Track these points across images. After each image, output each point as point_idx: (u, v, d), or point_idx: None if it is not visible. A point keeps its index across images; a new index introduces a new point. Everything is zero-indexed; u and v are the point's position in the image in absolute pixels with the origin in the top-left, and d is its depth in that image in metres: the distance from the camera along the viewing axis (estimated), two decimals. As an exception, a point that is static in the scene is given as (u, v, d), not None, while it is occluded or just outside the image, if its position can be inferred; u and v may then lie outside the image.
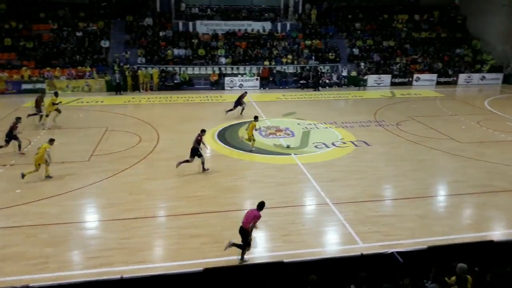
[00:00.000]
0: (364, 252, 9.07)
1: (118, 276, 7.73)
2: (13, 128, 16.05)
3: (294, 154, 16.65)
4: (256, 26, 33.70)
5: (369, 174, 14.79)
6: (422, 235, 10.83)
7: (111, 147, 17.10)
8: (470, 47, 35.38)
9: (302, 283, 7.44)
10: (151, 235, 10.75)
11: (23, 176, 13.57)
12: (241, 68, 30.97)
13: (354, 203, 12.57)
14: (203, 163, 14.78)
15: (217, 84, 29.70)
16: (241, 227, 9.53)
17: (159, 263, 9.58)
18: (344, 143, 18.17)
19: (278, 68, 31.36)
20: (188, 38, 32.08)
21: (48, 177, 13.89)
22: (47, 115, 20.20)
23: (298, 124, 20.96)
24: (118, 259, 9.59)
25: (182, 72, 29.91)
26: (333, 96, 28.37)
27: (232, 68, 30.89)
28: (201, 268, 7.99)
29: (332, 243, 10.69)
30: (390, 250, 8.78)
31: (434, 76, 32.52)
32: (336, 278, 7.95)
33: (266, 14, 35.05)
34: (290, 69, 31.75)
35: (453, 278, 7.43)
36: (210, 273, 7.90)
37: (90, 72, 28.31)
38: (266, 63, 31.10)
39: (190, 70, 30.42)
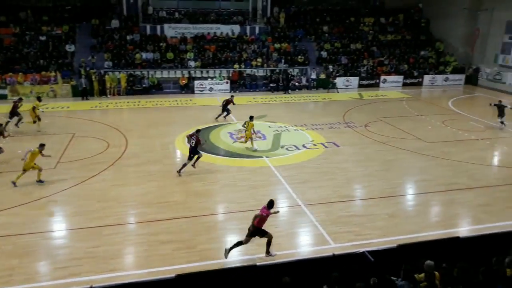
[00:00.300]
0: (336, 252, 9.16)
1: (87, 286, 7.51)
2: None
3: (266, 157, 16.70)
4: (225, 30, 33.67)
5: (339, 175, 15.01)
6: (392, 233, 11.05)
7: (79, 153, 16.67)
8: (434, 49, 36.48)
9: (276, 286, 7.44)
10: (121, 242, 10.52)
11: (40, 181, 13.77)
12: (211, 71, 30.86)
13: (326, 204, 12.71)
14: (197, 160, 14.98)
15: (187, 88, 29.48)
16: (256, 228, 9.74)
17: (129, 271, 9.38)
18: (315, 145, 18.37)
19: (248, 71, 31.41)
20: (156, 41, 31.72)
21: (14, 183, 13.53)
22: (34, 122, 19.62)
23: (269, 127, 21.05)
24: (87, 268, 9.34)
25: (150, 76, 29.53)
26: (303, 99, 28.64)
27: (201, 72, 30.72)
28: (173, 275, 7.87)
29: (305, 244, 10.77)
30: (361, 250, 8.90)
31: (400, 78, 33.33)
32: (309, 279, 8.00)
33: (235, 18, 35.06)
34: (260, 72, 31.85)
35: (422, 275, 7.60)
36: (183, 279, 7.79)
37: (55, 77, 27.54)
38: (236, 66, 31.11)
39: (158, 74, 30.07)
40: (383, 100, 28.31)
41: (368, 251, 8.70)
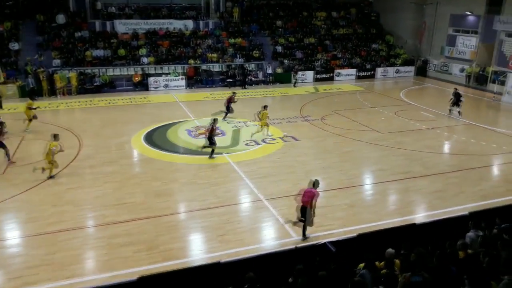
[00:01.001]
0: (298, 245, 9.27)
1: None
2: None
3: (226, 153, 16.62)
4: (177, 25, 33.11)
5: (299, 168, 15.18)
6: (352, 223, 11.32)
7: (30, 157, 15.87)
8: (385, 42, 37.60)
9: (240, 282, 7.42)
10: (80, 247, 10.15)
11: (43, 170, 13.93)
12: (165, 67, 30.28)
13: (287, 197, 12.79)
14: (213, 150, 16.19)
15: (141, 85, 28.78)
16: (301, 206, 10.32)
17: (89, 276, 9.06)
18: (274, 139, 18.48)
19: (204, 67, 31.10)
20: (106, 38, 30.72)
21: (50, 177, 14.00)
22: (29, 120, 19.28)
23: (228, 123, 20.94)
24: (44, 277, 8.94)
25: (102, 74, 28.58)
26: (260, 94, 28.71)
27: (155, 68, 30.11)
28: (135, 277, 7.67)
29: (268, 239, 10.81)
30: (322, 241, 9.04)
31: (353, 71, 34.11)
32: (273, 272, 8.04)
33: (188, 13, 34.58)
34: (216, 68, 31.64)
35: (383, 262, 7.82)
36: (145, 281, 7.61)
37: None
38: (191, 62, 30.70)
39: (110, 72, 29.17)
40: (338, 93, 28.88)
41: (329, 242, 8.85)
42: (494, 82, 28.52)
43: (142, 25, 32.35)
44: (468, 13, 31.49)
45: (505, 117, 24.04)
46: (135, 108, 24.24)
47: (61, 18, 30.36)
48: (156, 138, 18.42)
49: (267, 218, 11.69)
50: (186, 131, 19.32)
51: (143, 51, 30.49)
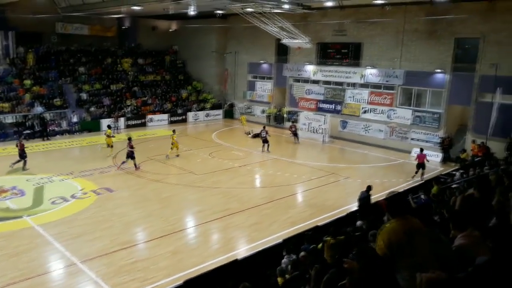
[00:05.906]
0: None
1: None
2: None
3: (27, 216, 14.43)
4: (-45, 73, 28.26)
5: (116, 222, 14.18)
6: (178, 270, 10.97)
7: None
8: (193, 88, 39.22)
9: None
10: None
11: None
12: None
13: (105, 255, 11.73)
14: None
15: None
16: (419, 163, 19.35)
17: None
18: (85, 193, 16.94)
19: (-8, 119, 27.03)
20: None
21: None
22: (111, 147, 22.74)
23: (28, 180, 18.36)
24: None
25: None
26: (65, 144, 26.30)
27: None
28: None
29: (86, 307, 9.60)
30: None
31: (165, 116, 34.41)
32: None
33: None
34: (9, 119, 27.83)
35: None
36: None
37: None
38: (-24, 114, 26.35)
39: None
40: (152, 139, 28.59)
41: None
42: (289, 120, 32.44)
43: None
44: (262, 61, 35.48)
45: (301, 150, 27.39)
46: None
47: None
48: None
49: (83, 282, 10.42)
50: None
51: None
